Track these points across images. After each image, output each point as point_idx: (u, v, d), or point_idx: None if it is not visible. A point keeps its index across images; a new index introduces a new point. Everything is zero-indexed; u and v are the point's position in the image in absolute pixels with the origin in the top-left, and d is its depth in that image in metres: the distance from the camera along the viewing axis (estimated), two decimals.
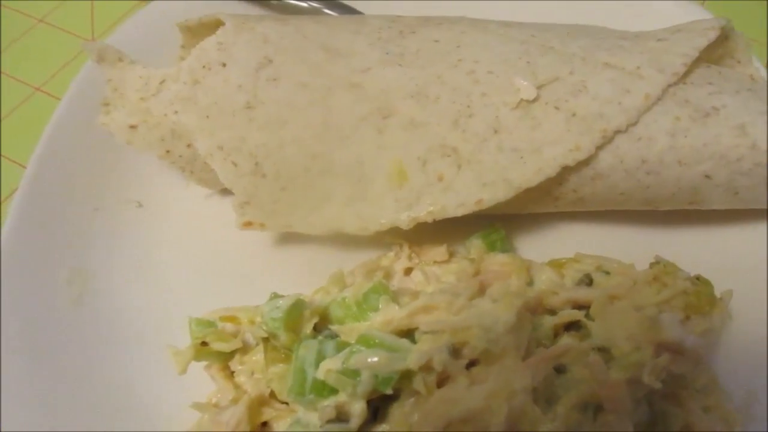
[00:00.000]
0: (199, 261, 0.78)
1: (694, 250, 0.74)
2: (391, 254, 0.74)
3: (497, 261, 0.69)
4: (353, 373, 0.57)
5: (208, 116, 0.71)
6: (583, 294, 0.64)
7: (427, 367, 0.57)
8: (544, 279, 0.67)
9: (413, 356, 0.57)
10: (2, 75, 1.02)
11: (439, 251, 0.74)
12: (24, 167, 0.83)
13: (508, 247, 0.74)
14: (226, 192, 0.78)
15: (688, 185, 0.70)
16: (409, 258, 0.73)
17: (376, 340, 0.58)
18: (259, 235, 0.78)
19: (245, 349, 0.65)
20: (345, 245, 0.77)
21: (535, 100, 0.69)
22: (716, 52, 0.78)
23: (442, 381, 0.58)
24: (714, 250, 0.74)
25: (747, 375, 0.67)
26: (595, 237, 0.77)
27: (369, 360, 0.56)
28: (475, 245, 0.73)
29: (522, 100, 0.69)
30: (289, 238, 0.79)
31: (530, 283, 0.67)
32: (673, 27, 0.77)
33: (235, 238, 0.76)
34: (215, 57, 0.73)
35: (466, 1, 0.89)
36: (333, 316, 0.65)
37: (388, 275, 0.73)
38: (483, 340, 0.58)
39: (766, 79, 0.76)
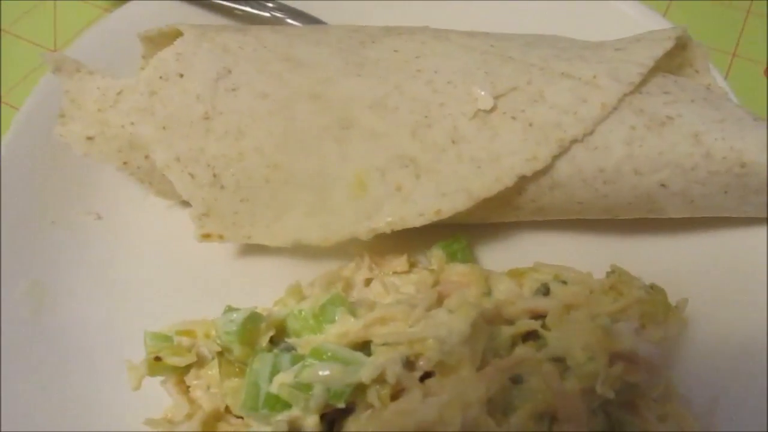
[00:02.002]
0: (158, 273, 0.77)
1: (651, 258, 0.74)
2: (352, 265, 0.74)
3: (456, 271, 0.69)
4: (305, 387, 0.56)
5: (164, 127, 0.70)
6: (540, 303, 0.64)
7: (380, 380, 0.57)
8: (503, 289, 0.67)
9: (366, 369, 0.56)
10: None
11: (400, 261, 0.73)
12: None
13: (469, 257, 0.74)
14: (186, 203, 0.76)
15: (644, 194, 0.70)
16: (370, 269, 0.73)
17: (329, 353, 0.57)
18: (220, 247, 0.77)
19: (201, 363, 0.64)
20: (307, 256, 0.77)
21: (492, 110, 0.69)
22: (675, 61, 0.78)
23: (398, 393, 0.58)
24: (671, 258, 0.74)
25: (708, 381, 0.67)
26: (555, 246, 0.77)
27: (321, 373, 0.56)
28: (436, 255, 0.72)
29: (479, 110, 0.69)
30: (250, 250, 0.78)
31: (488, 293, 0.67)
32: (632, 37, 0.77)
33: (196, 250, 0.75)
34: (173, 68, 0.72)
35: (430, 6, 0.90)
36: (290, 328, 0.64)
37: (349, 286, 0.72)
38: (437, 351, 0.57)
39: (723, 88, 0.77)
